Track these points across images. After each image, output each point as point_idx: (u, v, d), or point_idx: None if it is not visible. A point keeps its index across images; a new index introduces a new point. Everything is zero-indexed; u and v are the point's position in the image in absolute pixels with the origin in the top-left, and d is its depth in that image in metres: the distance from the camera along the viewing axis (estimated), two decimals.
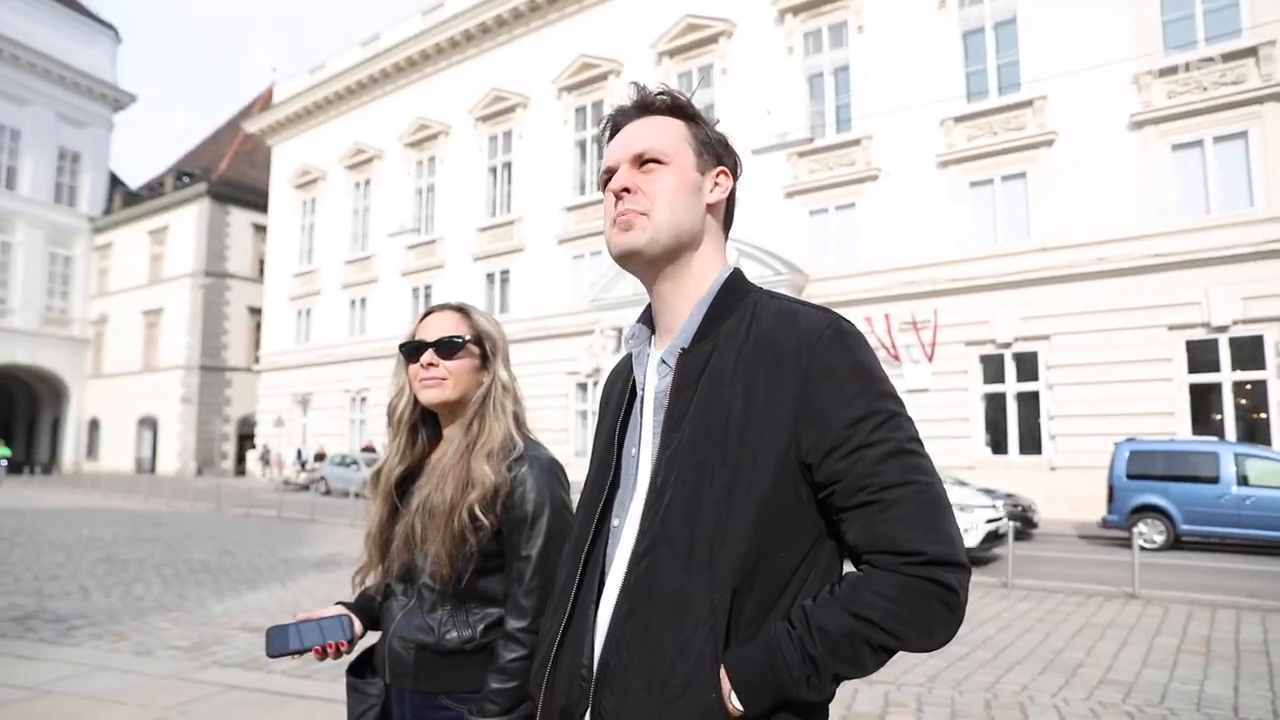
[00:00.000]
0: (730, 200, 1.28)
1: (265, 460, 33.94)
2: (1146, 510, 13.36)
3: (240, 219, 40.93)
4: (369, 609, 1.79)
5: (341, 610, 1.74)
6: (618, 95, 24.99)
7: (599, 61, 25.38)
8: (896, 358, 18.71)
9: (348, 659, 1.76)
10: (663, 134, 1.23)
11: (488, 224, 28.14)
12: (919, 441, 1.08)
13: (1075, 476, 16.49)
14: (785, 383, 1.08)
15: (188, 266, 39.99)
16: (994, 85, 18.68)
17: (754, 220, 21.02)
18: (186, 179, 42.02)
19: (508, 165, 28.27)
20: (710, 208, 1.24)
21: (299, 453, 32.04)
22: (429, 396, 1.72)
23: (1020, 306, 17.48)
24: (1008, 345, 17.67)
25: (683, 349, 1.17)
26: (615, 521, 1.19)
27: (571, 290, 25.35)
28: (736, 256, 20.99)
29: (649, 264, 1.21)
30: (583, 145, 26.43)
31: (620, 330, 23.02)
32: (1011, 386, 17.66)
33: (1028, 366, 17.53)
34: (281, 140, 37.13)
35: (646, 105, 1.26)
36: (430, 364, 1.72)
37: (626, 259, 1.20)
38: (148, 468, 40.67)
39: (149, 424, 41.03)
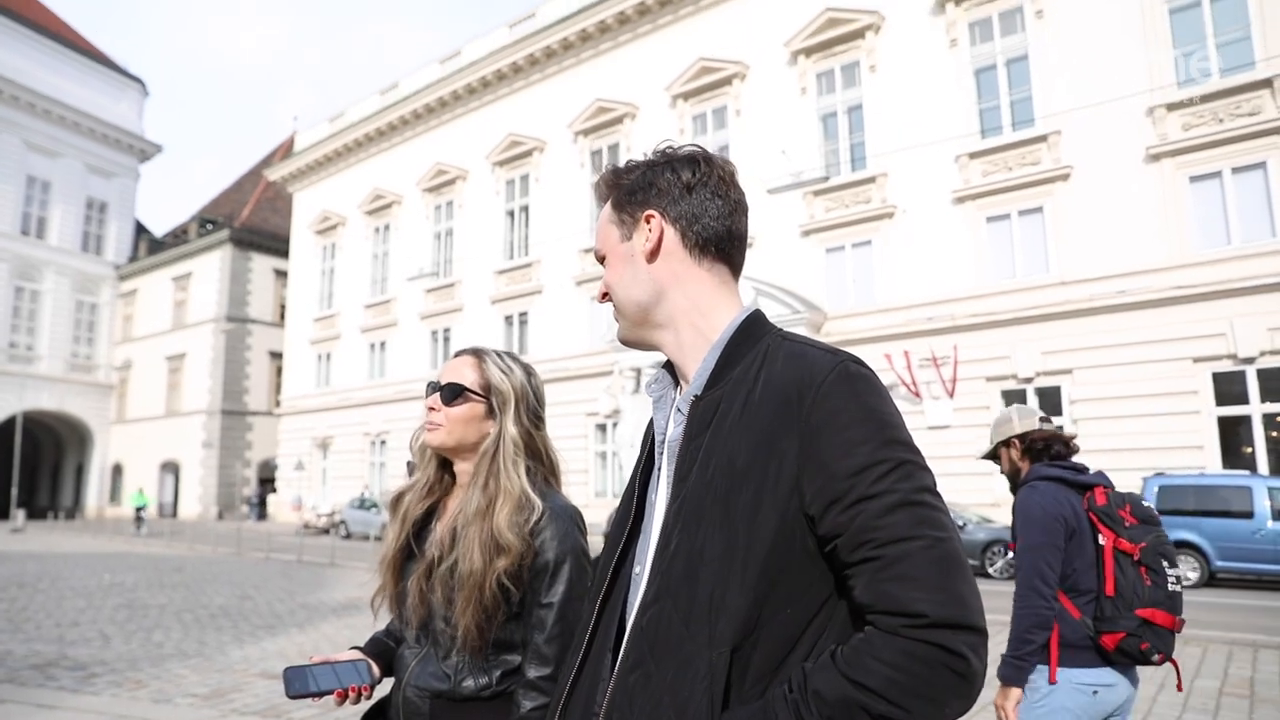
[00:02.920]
0: (688, 227, 1.19)
1: (298, 506, 33.96)
2: (1178, 546, 13.09)
3: (262, 265, 41.51)
4: (385, 653, 1.78)
5: (358, 655, 1.74)
6: (633, 138, 25.34)
7: (614, 105, 25.72)
8: (917, 394, 18.60)
9: (366, 704, 1.73)
10: (601, 227, 1.26)
11: (506, 267, 28.38)
12: (933, 492, 1.02)
13: None
14: (788, 429, 1.03)
15: (210, 312, 40.53)
16: (1007, 121, 18.75)
17: (771, 259, 21.08)
18: (209, 226, 42.75)
19: (525, 208, 28.56)
20: (649, 256, 1.19)
21: (299, 498, 32.52)
22: (426, 439, 1.76)
23: (1041, 341, 17.37)
24: (1029, 380, 17.53)
25: (695, 396, 1.13)
26: (636, 569, 1.17)
27: (589, 331, 25.44)
28: (754, 296, 21.03)
29: (639, 344, 1.24)
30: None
31: (639, 371, 23.07)
32: None
33: (1051, 401, 17.36)
34: (302, 187, 37.77)
35: (599, 198, 1.29)
36: (431, 408, 1.75)
37: (629, 346, 1.26)
38: (169, 512, 40.87)
39: (171, 468, 41.33)
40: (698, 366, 1.16)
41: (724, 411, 1.09)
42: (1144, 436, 16.03)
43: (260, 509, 37.13)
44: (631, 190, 1.22)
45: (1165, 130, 16.61)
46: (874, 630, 0.97)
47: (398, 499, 1.80)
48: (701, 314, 1.18)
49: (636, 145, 25.23)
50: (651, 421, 1.31)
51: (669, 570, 1.06)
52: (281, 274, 41.17)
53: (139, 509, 30.29)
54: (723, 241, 1.20)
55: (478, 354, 1.79)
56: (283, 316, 40.27)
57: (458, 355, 1.81)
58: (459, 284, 29.98)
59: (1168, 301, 16.11)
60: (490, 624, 1.59)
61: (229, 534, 26.85)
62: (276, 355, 40.46)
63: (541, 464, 1.78)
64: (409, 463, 1.89)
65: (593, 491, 24.32)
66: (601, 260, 1.25)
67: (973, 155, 18.78)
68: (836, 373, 1.05)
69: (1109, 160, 17.06)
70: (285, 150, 42.64)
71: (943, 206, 19.04)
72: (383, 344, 32.71)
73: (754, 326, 1.17)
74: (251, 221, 42.31)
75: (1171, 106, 16.54)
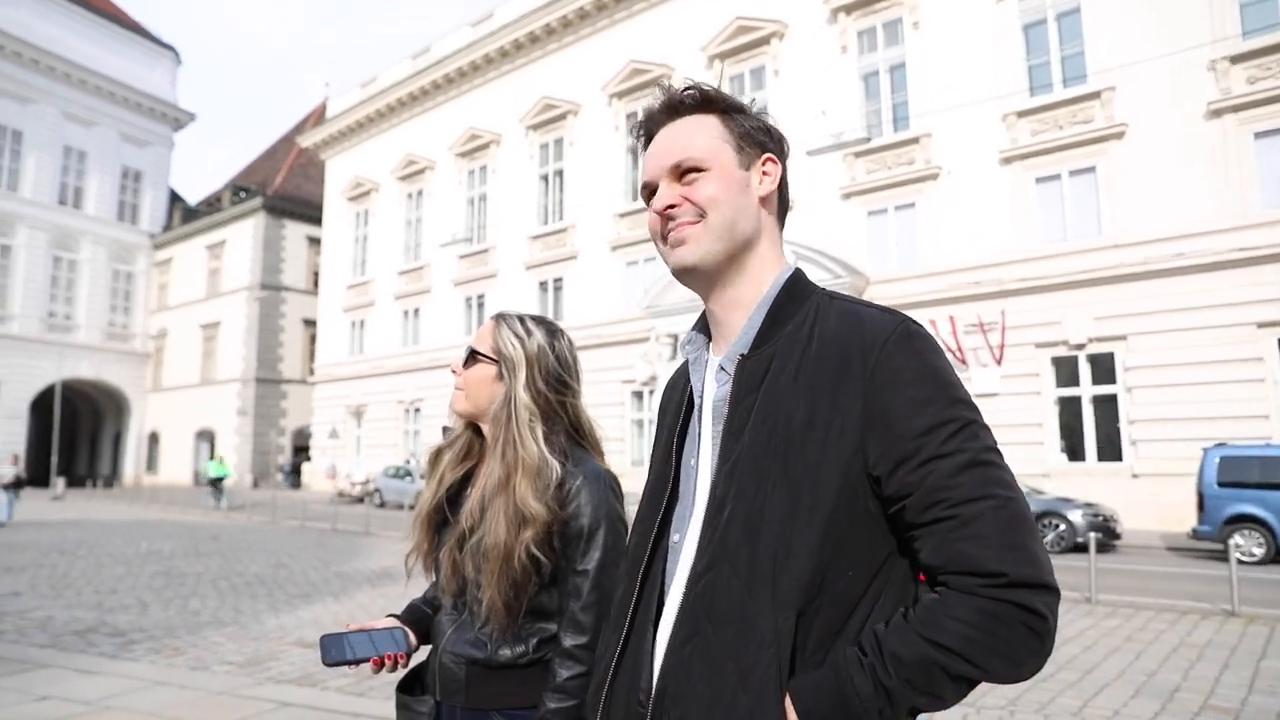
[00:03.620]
0: (782, 188, 1.22)
1: (333, 475, 34.41)
2: (1242, 521, 12.68)
3: (295, 232, 41.80)
4: (422, 621, 1.80)
5: (394, 622, 1.76)
6: None
7: (649, 67, 25.34)
8: (964, 361, 18.24)
9: (403, 673, 1.75)
10: (698, 137, 1.18)
11: (540, 232, 28.28)
12: (997, 452, 1.03)
13: (1160, 484, 15.84)
14: (850, 389, 1.04)
15: (244, 280, 40.99)
16: (1058, 78, 18.16)
17: (812, 222, 20.74)
18: (243, 194, 43.12)
19: (559, 173, 28.39)
20: (762, 200, 1.20)
21: (333, 466, 32.91)
22: (452, 404, 1.79)
23: (1093, 306, 16.92)
24: (1081, 347, 17.11)
25: (742, 355, 1.13)
26: (675, 537, 1.15)
27: (625, 297, 25.33)
28: (794, 260, 20.61)
29: (708, 276, 1.17)
30: (634, 151, 26.30)
31: (676, 337, 22.92)
32: (1087, 390, 17.06)
33: (1104, 368, 16.94)
34: (335, 153, 37.86)
35: (675, 107, 1.22)
36: (454, 371, 1.79)
37: (685, 276, 1.18)
38: (205, 480, 41.66)
39: (206, 436, 42.08)
40: (743, 324, 1.16)
41: (777, 370, 1.09)
42: (1204, 405, 15.58)
43: (295, 477, 37.72)
44: (756, 128, 1.21)
45: (1229, 84, 15.96)
46: (949, 590, 0.97)
47: (436, 455, 1.82)
48: (764, 276, 1.18)
49: (787, 68, 24.88)
50: (670, 386, 1.33)
51: (725, 534, 1.05)
52: (315, 241, 41.45)
53: (218, 480, 25.95)
54: (787, 205, 1.25)
55: (497, 319, 1.80)
56: (316, 284, 40.61)
57: (488, 321, 1.82)
58: (493, 250, 29.95)
59: (1228, 264, 15.57)
60: (520, 597, 1.60)
61: (263, 502, 27.25)
62: (310, 323, 40.85)
63: (574, 430, 1.77)
64: (445, 428, 1.87)
65: (629, 460, 24.31)
66: (686, 173, 1.17)
67: (1020, 114, 18.23)
68: (899, 332, 1.06)
69: (1166, 117, 16.46)
70: (318, 117, 42.74)
71: (989, 167, 18.54)
72: (416, 311, 32.84)
73: (799, 285, 1.17)
74: (284, 189, 42.56)
75: (1235, 59, 15.88)
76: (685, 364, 1.28)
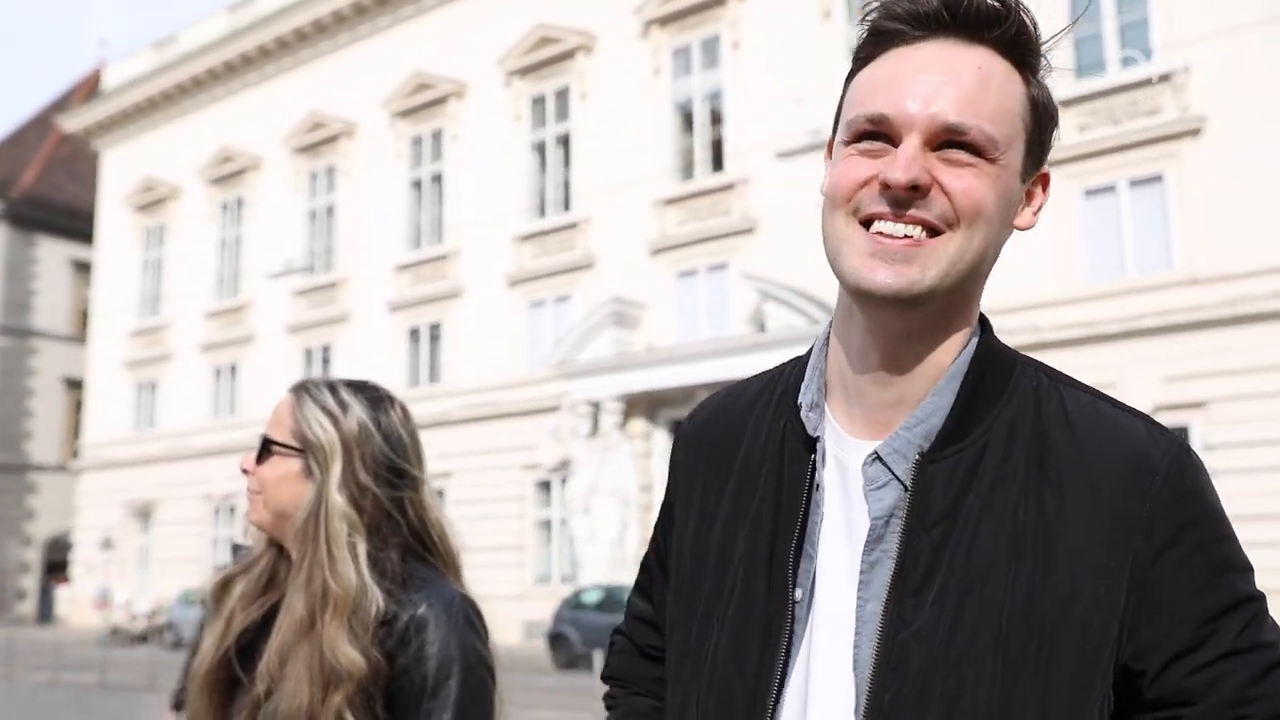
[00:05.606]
0: None
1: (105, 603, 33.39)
2: None
3: (53, 252, 41.18)
4: None
5: None
6: (589, 80, 25.67)
7: (562, 34, 25.98)
8: None
9: None
10: (998, 99, 1.04)
11: (411, 259, 28.36)
12: None
13: None
14: (1111, 540, 1.00)
15: None
16: (1113, 54, 19.11)
17: (782, 252, 21.24)
18: None
19: (438, 178, 28.65)
20: (1023, 227, 1.15)
21: (105, 591, 31.93)
22: (246, 513, 1.79)
23: (1163, 362, 17.58)
24: None
25: (921, 453, 1.05)
26: None
27: (528, 351, 25.46)
28: (759, 300, 21.22)
29: (914, 316, 1.06)
30: (542, 149, 26.85)
31: (597, 406, 23.13)
32: None
33: None
34: (114, 143, 37.53)
35: (979, 22, 1.05)
36: (245, 470, 1.79)
37: (898, 304, 1.04)
38: None
39: None
40: (921, 400, 1.08)
41: (984, 489, 1.03)
42: None
43: (45, 607, 36.48)
44: (1052, 126, 1.13)
45: None
46: None
47: (223, 587, 1.80)
48: (963, 326, 1.11)
49: (595, 88, 25.53)
50: (716, 438, 1.25)
51: None
52: (83, 267, 40.80)
53: None
54: None
55: (298, 391, 1.82)
56: (85, 328, 39.86)
57: (308, 408, 1.80)
58: (344, 283, 29.87)
59: None
60: None
61: None
62: (75, 384, 39.96)
63: (416, 539, 1.78)
64: (237, 547, 1.87)
65: (532, 576, 24.19)
66: (952, 145, 1.03)
67: (1064, 104, 19.05)
68: (1180, 463, 1.02)
69: (1257, 108, 17.27)
70: (88, 90, 42.38)
71: None
72: (233, 369, 32.39)
73: (1000, 355, 1.11)
74: (37, 190, 41.84)
75: None
76: (761, 409, 1.22)
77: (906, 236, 1.01)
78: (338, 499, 1.67)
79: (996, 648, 0.97)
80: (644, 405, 23.47)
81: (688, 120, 24.81)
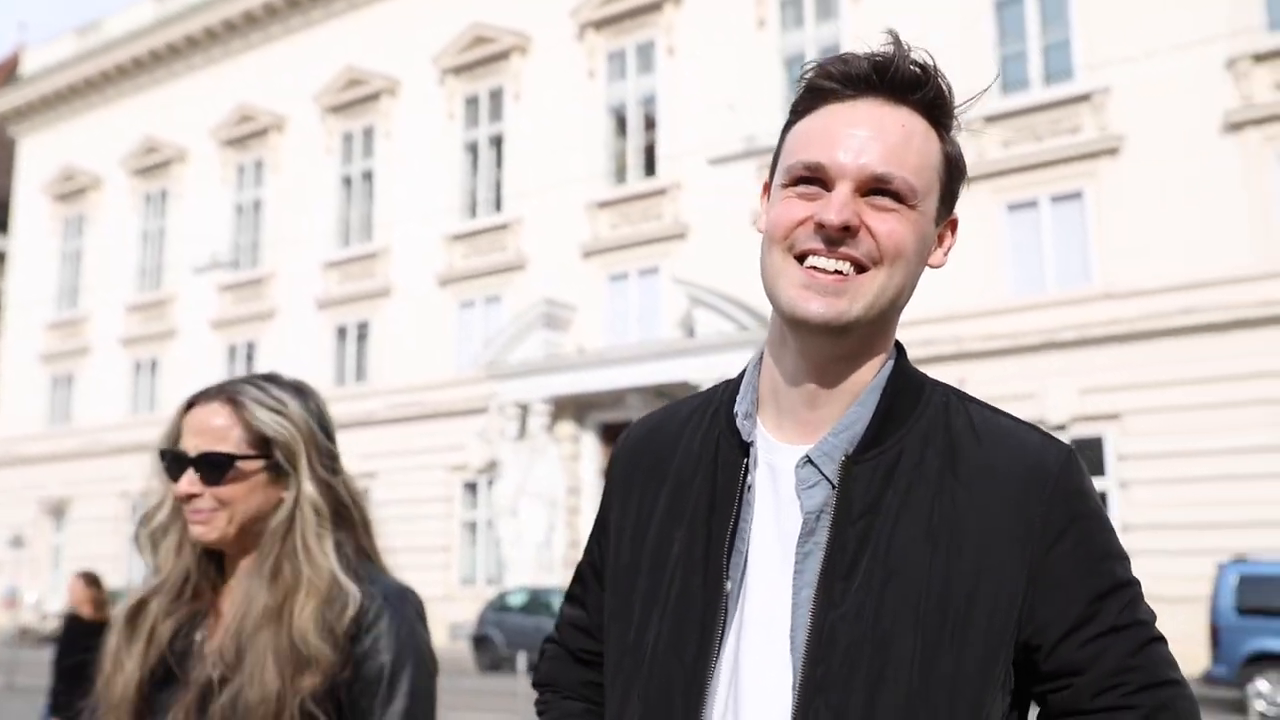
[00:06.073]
0: None
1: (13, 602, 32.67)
2: (1267, 660, 13.18)
3: None
4: None
5: None
6: (523, 80, 25.65)
7: (497, 34, 25.92)
8: None
9: None
10: (917, 154, 1.18)
11: (339, 257, 28.17)
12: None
13: (1161, 611, 16.53)
14: (1016, 536, 1.13)
15: None
16: (1037, 73, 19.53)
17: (711, 257, 21.52)
18: None
19: (368, 174, 28.47)
20: (934, 265, 1.31)
21: (13, 590, 31.19)
22: (198, 534, 1.70)
23: (1079, 375, 17.96)
24: (1062, 428, 17.94)
25: (846, 455, 1.17)
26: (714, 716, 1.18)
27: (457, 351, 25.41)
28: (688, 307, 21.33)
29: (842, 342, 1.19)
30: (474, 148, 26.75)
31: (525, 408, 23.11)
32: None
33: (1091, 456, 17.74)
34: (32, 130, 36.86)
35: (905, 84, 1.19)
36: (192, 494, 1.68)
37: (828, 332, 1.17)
38: None
39: None
40: (844, 411, 1.21)
41: (901, 487, 1.16)
42: (1220, 507, 16.52)
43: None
44: (961, 176, 1.28)
45: (1250, 90, 17.47)
46: None
47: (138, 610, 1.74)
48: (880, 349, 1.25)
49: (530, 89, 25.51)
50: (644, 449, 1.38)
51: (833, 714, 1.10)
52: None
53: None
54: None
55: (229, 395, 1.74)
56: None
57: (200, 403, 1.75)
58: (271, 279, 29.57)
59: (1253, 322, 16.79)
60: None
61: None
62: None
63: (350, 526, 1.77)
64: (150, 563, 1.80)
65: (457, 578, 24.10)
66: (881, 192, 1.16)
67: (990, 119, 19.37)
68: (1068, 466, 1.18)
69: (1174, 129, 17.76)
70: (5, 74, 41.44)
71: None
72: (154, 363, 31.90)
73: (910, 373, 1.26)
74: None
75: (1260, 58, 17.36)
76: (685, 420, 1.34)
77: (837, 272, 1.14)
78: (311, 491, 1.68)
79: (915, 626, 1.09)
80: (573, 408, 23.49)
81: (621, 124, 24.90)
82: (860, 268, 1.15)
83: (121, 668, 1.69)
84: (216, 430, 1.68)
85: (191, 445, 1.69)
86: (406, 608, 1.69)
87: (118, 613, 1.78)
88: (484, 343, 24.23)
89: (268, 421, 1.69)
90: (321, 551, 1.66)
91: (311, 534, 1.66)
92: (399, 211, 27.13)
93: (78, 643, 6.67)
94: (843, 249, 1.14)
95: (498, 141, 26.43)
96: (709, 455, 1.27)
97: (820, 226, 1.14)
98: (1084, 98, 18.77)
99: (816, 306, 1.14)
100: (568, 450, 23.43)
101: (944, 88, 1.21)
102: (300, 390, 1.78)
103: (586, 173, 24.08)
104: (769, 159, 1.33)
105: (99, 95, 34.78)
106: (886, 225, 1.15)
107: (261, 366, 29.03)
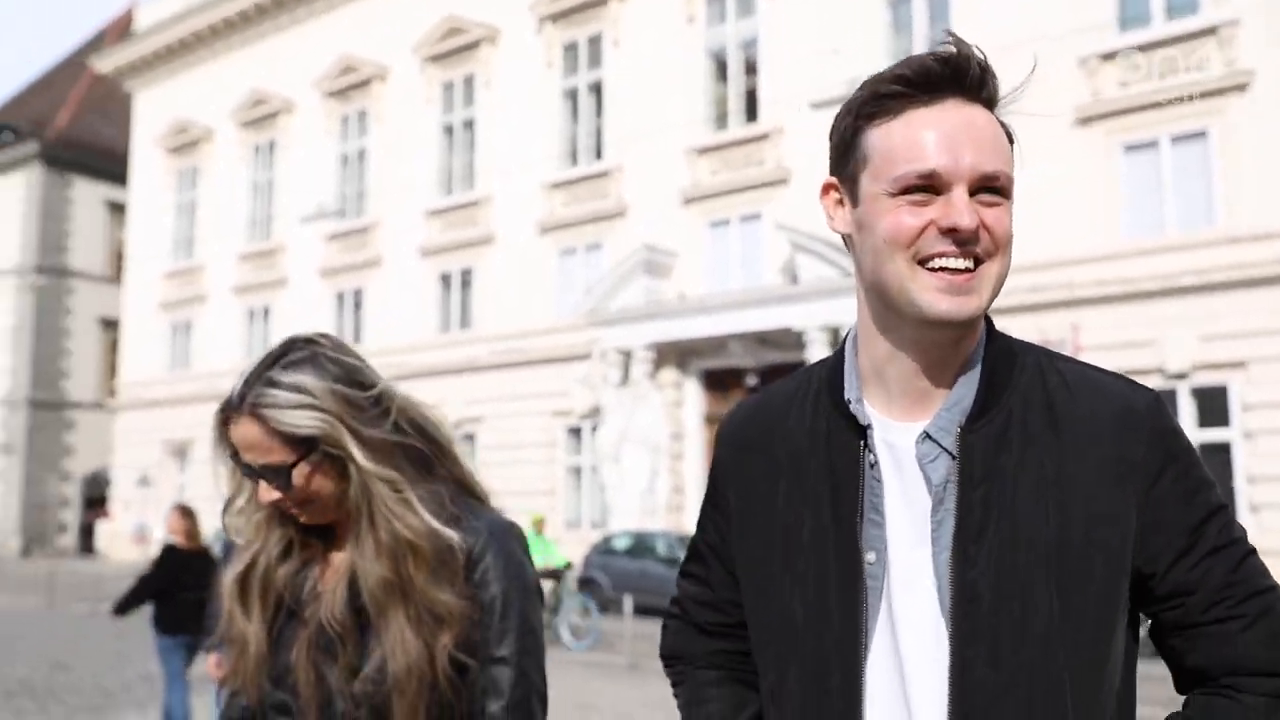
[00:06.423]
0: None
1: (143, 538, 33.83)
2: None
3: (88, 194, 41.35)
4: None
5: None
6: (621, 27, 25.33)
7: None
8: None
9: None
10: (1005, 150, 1.28)
11: (442, 205, 28.36)
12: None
13: None
14: (1115, 475, 1.25)
15: (11, 259, 40.44)
16: (1159, 6, 18.76)
17: (814, 205, 21.00)
18: (9, 135, 42.35)
19: (469, 124, 28.55)
20: None
21: (142, 527, 32.22)
22: (304, 520, 1.71)
23: (1200, 322, 17.44)
24: (1183, 376, 17.62)
25: (961, 427, 1.27)
26: (875, 674, 1.29)
27: (558, 298, 25.50)
28: (792, 251, 21.11)
29: (964, 328, 1.28)
30: (574, 96, 26.64)
31: (628, 355, 23.16)
32: (1191, 433, 17.57)
33: (1214, 406, 17.48)
34: (147, 84, 37.53)
35: (975, 84, 1.27)
36: (273, 500, 1.67)
37: (957, 327, 1.26)
38: None
39: None
40: (952, 386, 1.31)
41: (1013, 449, 1.26)
42: None
43: (86, 541, 36.95)
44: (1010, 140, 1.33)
45: None
46: (1241, 695, 1.23)
47: (246, 574, 1.73)
48: (982, 321, 1.35)
49: (629, 35, 25.28)
50: (757, 436, 1.44)
51: (992, 666, 1.22)
52: (118, 208, 40.99)
53: None
54: None
55: (249, 409, 1.64)
56: (120, 269, 40.10)
57: (228, 417, 1.67)
58: (376, 228, 29.94)
59: None
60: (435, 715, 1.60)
61: (37, 578, 26.75)
62: (111, 324, 40.27)
63: (436, 465, 1.74)
64: (228, 546, 1.79)
65: (562, 521, 24.33)
66: (987, 190, 1.24)
67: (1105, 56, 18.80)
68: (1155, 408, 1.29)
69: None
70: (120, 30, 42.30)
71: (1060, 131, 18.84)
72: (267, 311, 32.66)
73: (1004, 338, 1.36)
74: (72, 132, 41.95)
75: None
76: (813, 410, 1.39)
77: (967, 270, 1.23)
78: (369, 465, 1.63)
79: (1045, 574, 1.21)
80: (675, 354, 23.47)
81: (721, 69, 24.52)
82: (979, 262, 1.23)
83: (246, 634, 1.70)
84: (260, 445, 1.64)
85: (248, 458, 1.66)
86: (510, 541, 1.70)
87: (226, 580, 1.75)
88: (585, 290, 24.26)
89: (297, 422, 1.62)
90: (411, 512, 1.63)
91: (392, 500, 1.64)
92: (500, 160, 27.23)
93: (170, 569, 7.76)
94: (968, 247, 1.22)
95: (597, 88, 26.27)
96: (821, 439, 1.36)
97: (952, 230, 1.21)
98: (1209, 31, 17.98)
99: (950, 306, 1.22)
100: (670, 396, 23.44)
101: (999, 83, 1.29)
102: (314, 358, 1.68)
103: (687, 119, 23.85)
104: None
105: (208, 49, 35.37)
106: (997, 219, 1.24)
107: (369, 315, 29.58)
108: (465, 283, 27.83)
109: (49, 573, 24.11)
